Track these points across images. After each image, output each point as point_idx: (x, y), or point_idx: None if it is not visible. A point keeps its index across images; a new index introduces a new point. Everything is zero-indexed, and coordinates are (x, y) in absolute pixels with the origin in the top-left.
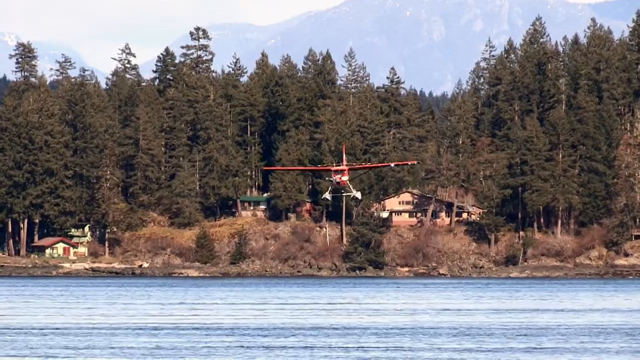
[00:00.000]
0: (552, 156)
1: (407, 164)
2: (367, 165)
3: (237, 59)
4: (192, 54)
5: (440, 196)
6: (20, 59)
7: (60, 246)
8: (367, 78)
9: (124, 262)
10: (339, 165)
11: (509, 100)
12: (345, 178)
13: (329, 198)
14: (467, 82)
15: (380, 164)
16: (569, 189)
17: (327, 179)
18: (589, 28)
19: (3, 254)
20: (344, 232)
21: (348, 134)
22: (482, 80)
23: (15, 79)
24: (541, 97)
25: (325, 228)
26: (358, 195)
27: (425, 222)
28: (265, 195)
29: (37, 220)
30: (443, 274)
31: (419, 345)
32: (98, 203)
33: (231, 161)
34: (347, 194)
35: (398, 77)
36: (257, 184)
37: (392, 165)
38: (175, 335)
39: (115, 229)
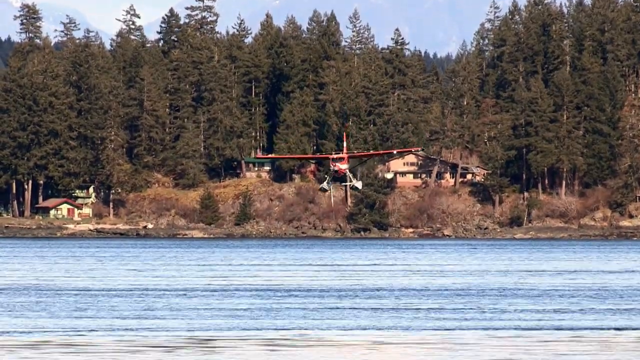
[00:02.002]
0: (557, 117)
1: (410, 151)
2: (369, 153)
3: (242, 20)
4: (197, 15)
5: (444, 157)
6: (24, 21)
7: (65, 207)
8: (372, 39)
9: (128, 223)
10: (339, 153)
11: (513, 62)
12: (344, 166)
13: (327, 188)
14: (472, 43)
15: (382, 151)
16: (574, 150)
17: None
18: None
19: (7, 215)
20: (349, 194)
21: (352, 95)
22: (486, 41)
23: (19, 41)
24: (545, 58)
25: (330, 189)
26: (359, 185)
27: (430, 183)
28: (269, 156)
29: (41, 182)
30: (447, 235)
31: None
32: (102, 164)
33: (235, 122)
34: (347, 183)
35: (402, 39)
36: (261, 145)
37: (395, 152)
38: (255, 297)
39: (119, 190)
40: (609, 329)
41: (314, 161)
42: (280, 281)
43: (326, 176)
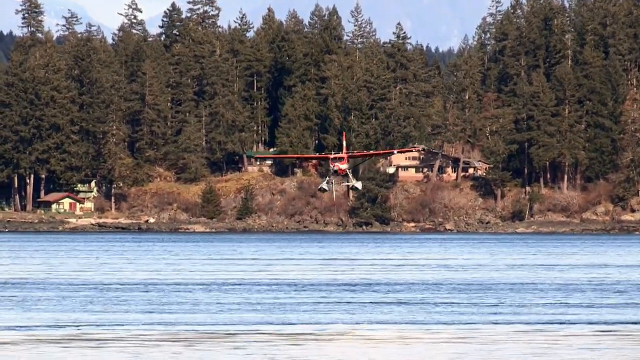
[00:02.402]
0: (559, 111)
1: (411, 151)
2: (369, 153)
3: (243, 14)
4: (199, 9)
5: (446, 151)
6: (26, 15)
7: (67, 201)
8: (374, 33)
9: (130, 217)
10: (338, 153)
11: (515, 56)
12: (344, 166)
13: (326, 188)
14: (474, 37)
15: (382, 151)
16: (576, 144)
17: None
18: None
19: (9, 209)
20: (352, 191)
21: (354, 89)
22: (488, 35)
23: (21, 35)
24: (547, 52)
25: (332, 183)
26: (358, 185)
27: (432, 178)
28: (271, 150)
29: (43, 176)
30: (449, 230)
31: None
32: (104, 158)
33: (237, 116)
34: (346, 183)
35: (404, 33)
36: (263, 139)
37: (396, 152)
38: (297, 291)
39: (121, 184)
40: (635, 323)
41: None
42: (312, 275)
43: (327, 177)
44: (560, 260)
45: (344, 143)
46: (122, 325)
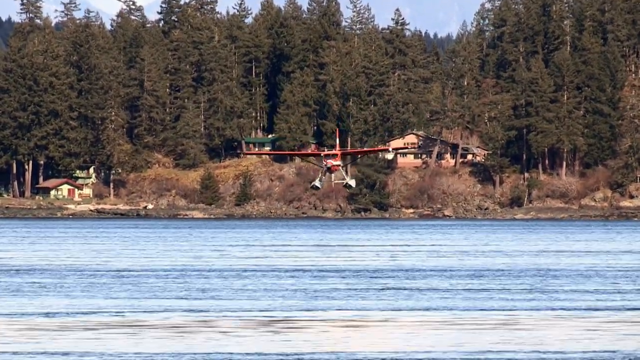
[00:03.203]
0: (557, 97)
1: (407, 148)
2: (362, 150)
3: (242, 0)
4: None
5: (445, 137)
6: (25, 1)
7: (65, 188)
8: (372, 19)
9: (128, 204)
10: (332, 150)
11: (513, 42)
12: (337, 163)
13: (318, 185)
14: (472, 23)
15: (377, 148)
16: (574, 131)
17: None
18: None
19: (8, 196)
20: (350, 172)
21: (353, 75)
22: (487, 21)
23: (20, 21)
24: (546, 38)
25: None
26: (352, 183)
27: (430, 164)
28: (270, 136)
29: (42, 162)
30: (448, 216)
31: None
32: (103, 144)
33: (236, 102)
34: (339, 181)
35: (403, 19)
36: (262, 125)
37: (391, 149)
38: (339, 277)
39: (120, 171)
40: None
41: (314, 141)
42: (349, 262)
43: (320, 174)
44: (585, 247)
45: (337, 140)
46: (161, 311)
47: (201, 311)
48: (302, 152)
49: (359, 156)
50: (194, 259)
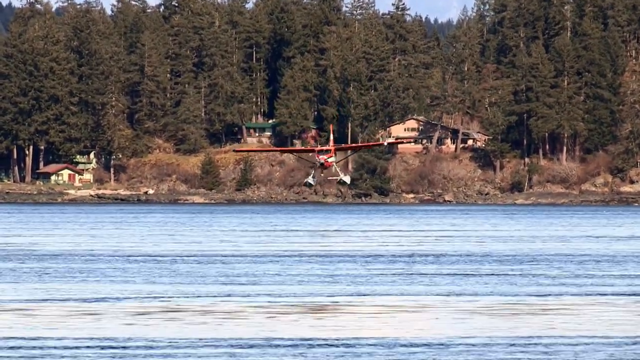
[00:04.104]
0: (558, 83)
1: (402, 142)
2: (356, 145)
3: None
4: None
5: (445, 123)
6: None
7: (66, 173)
8: (372, 5)
9: (129, 189)
10: (325, 146)
11: (514, 27)
12: (331, 159)
13: (312, 182)
14: (473, 8)
15: (371, 143)
16: (575, 116)
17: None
18: None
19: (8, 181)
20: (350, 159)
21: (353, 61)
22: (487, 6)
23: (20, 6)
24: (546, 24)
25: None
26: (347, 179)
27: (431, 149)
28: (270, 121)
29: (42, 147)
30: (448, 201)
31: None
32: (103, 130)
33: (236, 88)
34: (333, 177)
35: (403, 4)
36: (262, 110)
37: (385, 143)
38: (387, 262)
39: (120, 156)
40: None
41: (315, 126)
42: (377, 247)
43: (313, 171)
44: (610, 232)
45: (332, 136)
46: (197, 297)
47: (244, 296)
48: (295, 148)
49: (354, 151)
50: (228, 244)
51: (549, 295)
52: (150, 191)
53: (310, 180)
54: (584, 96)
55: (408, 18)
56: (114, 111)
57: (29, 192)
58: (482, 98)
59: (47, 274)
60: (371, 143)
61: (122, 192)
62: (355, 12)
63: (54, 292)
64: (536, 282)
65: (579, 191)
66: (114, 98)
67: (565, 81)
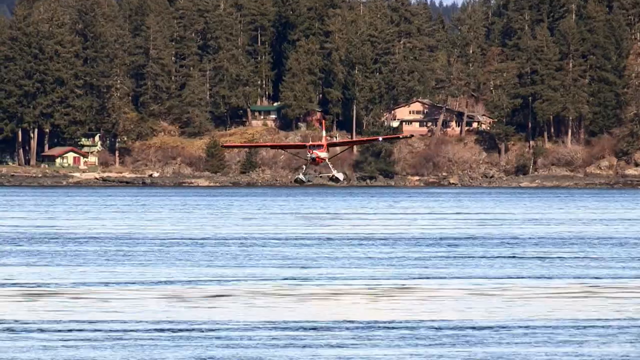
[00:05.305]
0: (562, 66)
1: (399, 138)
2: (349, 140)
3: None
4: None
5: (450, 106)
6: None
7: (71, 156)
8: None
9: (134, 172)
10: (318, 141)
11: (519, 10)
12: (323, 155)
13: (303, 179)
14: None
15: (366, 138)
16: (579, 99)
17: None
18: None
19: (13, 164)
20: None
21: (358, 44)
22: None
23: None
24: (551, 6)
25: (336, 137)
26: (340, 176)
27: (436, 132)
28: (275, 104)
29: (47, 130)
30: (453, 183)
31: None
32: (108, 112)
33: (241, 71)
34: (326, 174)
35: None
36: (267, 93)
37: (381, 139)
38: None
39: (125, 139)
40: None
41: (319, 109)
42: (418, 230)
43: (304, 167)
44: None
45: (324, 132)
46: (277, 279)
47: (305, 279)
48: (285, 144)
49: (346, 147)
50: (273, 227)
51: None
52: (155, 174)
53: (301, 176)
54: (588, 79)
55: (413, 1)
56: (118, 94)
57: (33, 175)
58: (487, 81)
59: (128, 256)
60: (365, 138)
61: (127, 175)
62: None
63: (137, 275)
64: (607, 265)
65: (584, 174)
66: (119, 81)
67: (570, 64)
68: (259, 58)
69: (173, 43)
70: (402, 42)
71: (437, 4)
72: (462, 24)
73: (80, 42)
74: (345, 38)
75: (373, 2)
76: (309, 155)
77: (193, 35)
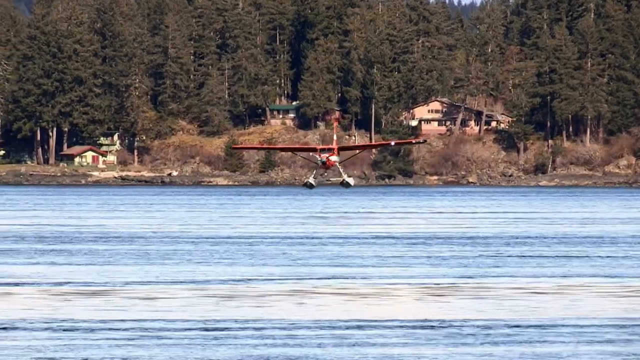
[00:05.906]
0: (581, 65)
1: (411, 143)
2: (360, 145)
3: None
4: None
5: (469, 105)
6: None
7: (89, 155)
8: None
9: (153, 171)
10: (328, 144)
11: (537, 9)
12: (334, 158)
13: (313, 183)
14: None
15: (378, 143)
16: (598, 98)
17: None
18: None
19: (32, 163)
20: (373, 141)
21: (377, 43)
22: None
23: None
24: (570, 5)
25: (355, 136)
26: (350, 180)
27: (455, 131)
28: (294, 103)
29: (66, 129)
30: (472, 183)
31: None
32: (127, 111)
33: (260, 70)
34: (337, 178)
35: None
36: (286, 92)
37: (393, 143)
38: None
39: (144, 138)
40: None
41: (338, 108)
42: (450, 229)
43: (314, 171)
44: None
45: (335, 136)
46: (322, 278)
47: (359, 278)
48: (296, 147)
49: (358, 152)
50: (318, 226)
51: None
52: (174, 173)
53: (311, 180)
54: (607, 78)
55: (431, 0)
56: (137, 93)
57: (52, 174)
58: (506, 80)
59: (168, 257)
60: (377, 143)
61: (146, 174)
62: None
63: (177, 275)
64: None
65: (603, 173)
66: (137, 80)
67: (589, 63)
68: (278, 57)
69: (192, 42)
70: (420, 41)
71: (455, 2)
72: (481, 22)
73: (98, 41)
74: (364, 37)
75: (392, 1)
76: (319, 158)
77: (212, 34)
